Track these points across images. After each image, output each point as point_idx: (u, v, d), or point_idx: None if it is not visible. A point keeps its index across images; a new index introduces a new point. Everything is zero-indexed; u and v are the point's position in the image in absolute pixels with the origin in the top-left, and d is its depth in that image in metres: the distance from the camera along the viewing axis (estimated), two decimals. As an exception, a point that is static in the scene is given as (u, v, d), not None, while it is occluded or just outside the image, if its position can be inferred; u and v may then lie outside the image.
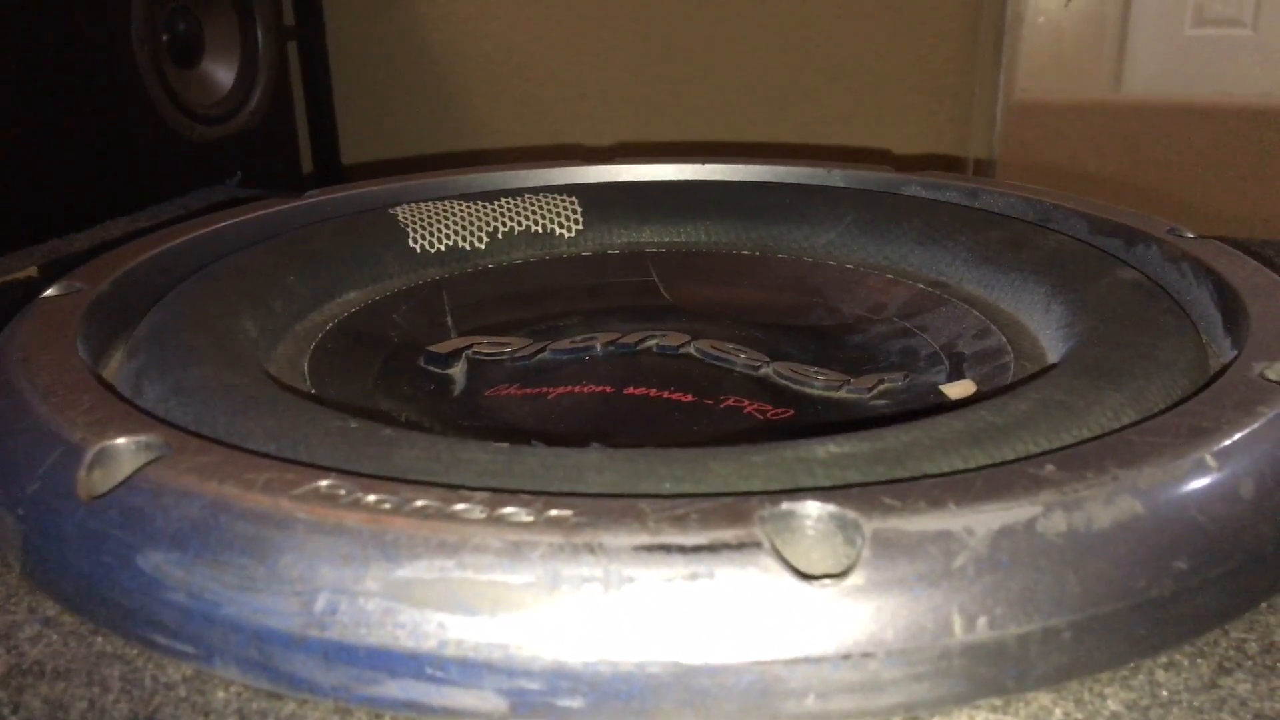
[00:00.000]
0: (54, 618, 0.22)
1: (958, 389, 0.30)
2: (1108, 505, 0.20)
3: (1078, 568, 0.19)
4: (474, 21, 1.04)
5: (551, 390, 0.32)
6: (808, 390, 0.32)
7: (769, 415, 0.30)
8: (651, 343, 0.35)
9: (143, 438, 0.23)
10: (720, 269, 0.42)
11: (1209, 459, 0.21)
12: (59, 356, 0.27)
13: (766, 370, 0.33)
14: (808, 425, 0.30)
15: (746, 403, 0.31)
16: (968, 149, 0.98)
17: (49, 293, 0.32)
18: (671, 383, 0.32)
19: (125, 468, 0.22)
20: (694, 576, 0.18)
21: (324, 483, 0.20)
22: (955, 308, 0.36)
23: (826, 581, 0.18)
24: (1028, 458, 0.21)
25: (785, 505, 0.19)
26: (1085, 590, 0.19)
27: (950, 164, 0.98)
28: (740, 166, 0.48)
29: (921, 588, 0.18)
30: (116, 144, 0.71)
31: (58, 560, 0.22)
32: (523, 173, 0.47)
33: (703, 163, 0.49)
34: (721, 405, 0.31)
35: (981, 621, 0.18)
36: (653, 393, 0.31)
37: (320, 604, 0.19)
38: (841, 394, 0.32)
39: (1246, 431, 0.22)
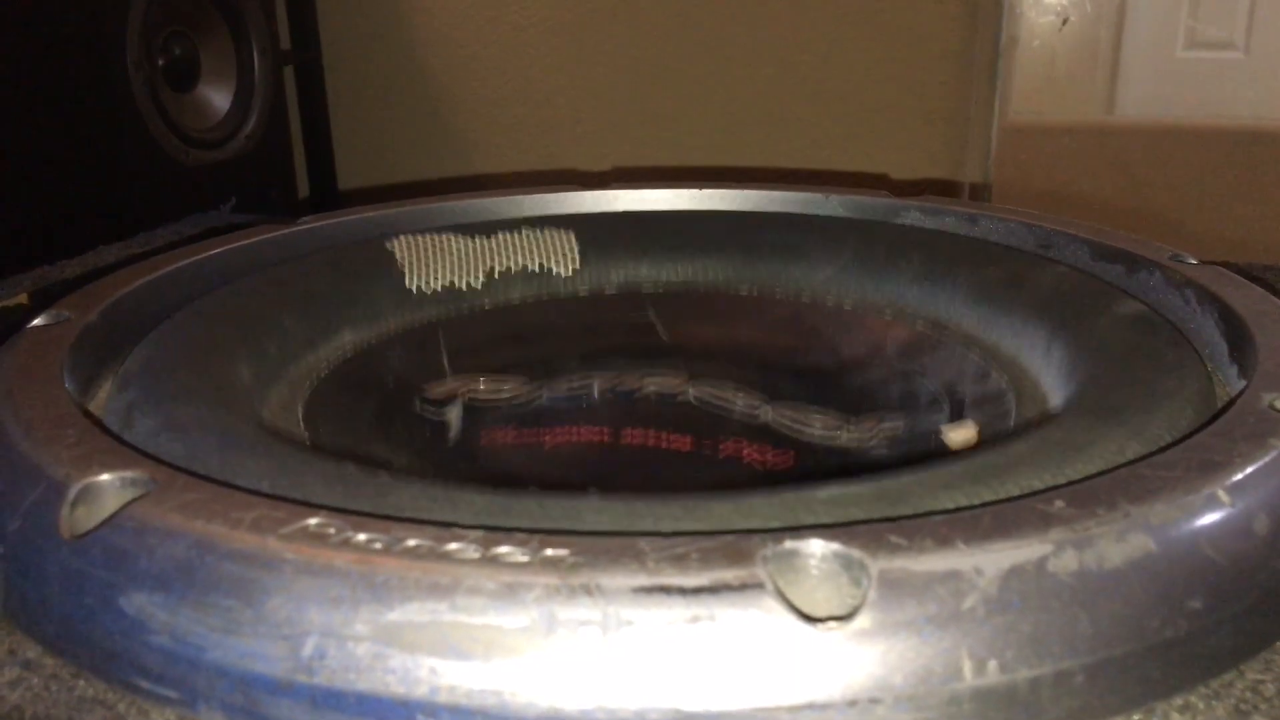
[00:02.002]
0: (35, 660, 0.22)
1: (959, 434, 0.30)
2: (1119, 543, 0.19)
3: (1090, 608, 0.18)
4: (471, 46, 1.04)
5: (548, 436, 0.32)
6: (807, 435, 0.32)
7: (768, 461, 0.30)
8: (649, 387, 0.35)
9: (128, 474, 0.22)
10: (718, 309, 0.42)
11: (1221, 494, 0.21)
12: (44, 389, 0.26)
13: (765, 414, 0.33)
14: (807, 471, 0.30)
15: (746, 448, 0.31)
16: (963, 172, 0.98)
17: (36, 322, 0.31)
18: (670, 428, 0.32)
19: (109, 505, 0.21)
20: (695, 619, 0.18)
21: (313, 521, 0.20)
22: (955, 349, 0.36)
23: (832, 624, 0.18)
24: (1036, 493, 0.21)
25: (788, 544, 0.19)
26: (1098, 632, 0.18)
27: (946, 187, 0.98)
28: (737, 192, 0.48)
29: (930, 630, 0.18)
30: (111, 168, 0.71)
31: (39, 601, 0.21)
32: (518, 199, 0.47)
33: (699, 188, 0.48)
34: (720, 452, 0.30)
35: (992, 665, 0.18)
36: (651, 439, 0.31)
37: (308, 648, 0.18)
38: (841, 438, 0.31)
39: (1259, 465, 0.21)
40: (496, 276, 0.42)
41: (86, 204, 0.69)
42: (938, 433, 0.30)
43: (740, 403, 0.33)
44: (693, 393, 0.34)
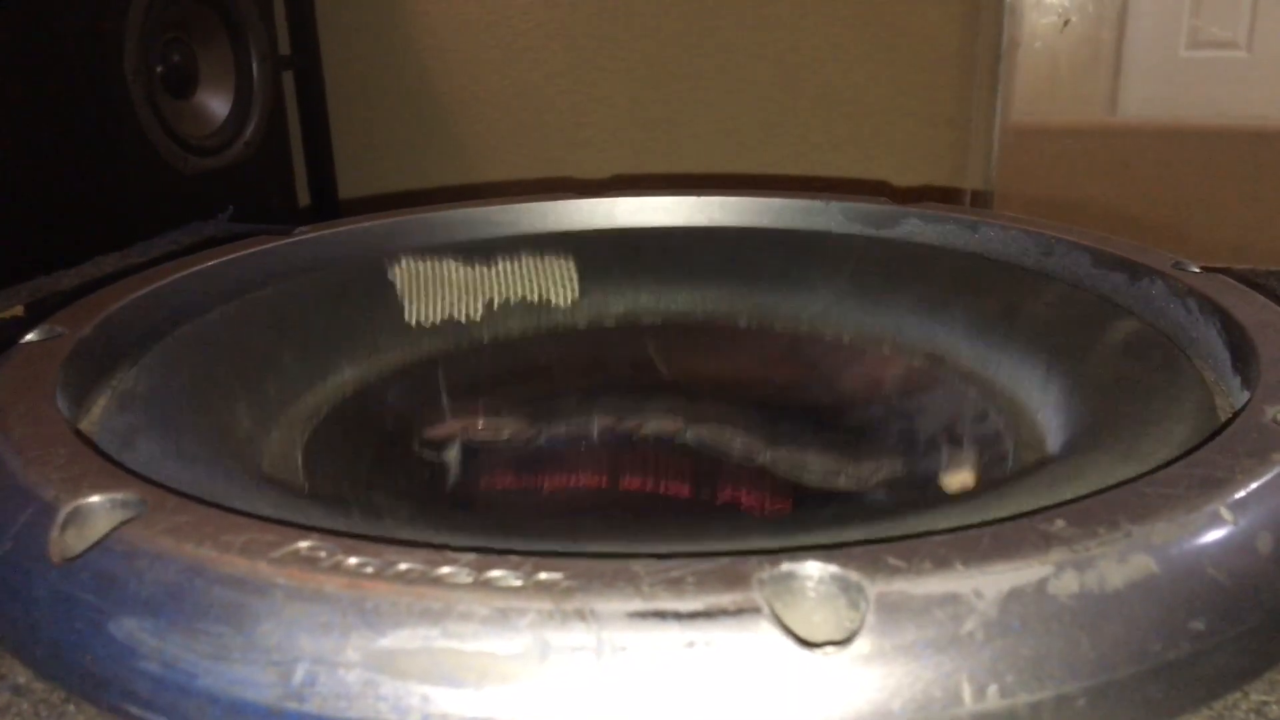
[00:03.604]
0: (25, 685, 0.21)
1: (957, 481, 0.29)
2: (1121, 563, 0.19)
3: (1091, 630, 0.18)
4: (471, 52, 1.04)
5: (546, 480, 0.32)
6: (805, 480, 0.32)
7: (766, 510, 0.29)
8: (648, 429, 0.35)
9: (118, 495, 0.22)
10: (716, 343, 0.42)
11: (1224, 511, 0.20)
12: (36, 407, 0.26)
13: (763, 459, 0.33)
14: (805, 518, 0.30)
15: (744, 496, 0.31)
16: (965, 175, 0.98)
17: (29, 337, 0.31)
18: (668, 475, 0.32)
19: (100, 527, 0.21)
20: (690, 645, 0.17)
21: (304, 544, 0.20)
22: (952, 387, 0.36)
23: (830, 649, 0.17)
24: (1035, 512, 0.20)
25: (785, 566, 0.18)
26: (1099, 654, 0.18)
27: (948, 192, 0.98)
28: (736, 200, 0.47)
29: (929, 654, 0.18)
30: (109, 176, 0.71)
31: (29, 625, 0.21)
32: (517, 208, 0.47)
33: (699, 195, 0.48)
34: (718, 501, 0.30)
35: (992, 690, 0.18)
36: (649, 484, 0.31)
37: (299, 675, 0.18)
38: (840, 484, 0.31)
39: (1262, 481, 0.21)
40: (495, 308, 0.42)
41: (84, 212, 0.69)
42: (936, 480, 0.30)
43: (738, 446, 0.33)
44: (690, 436, 0.34)
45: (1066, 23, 0.96)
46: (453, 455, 0.34)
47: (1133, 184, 0.96)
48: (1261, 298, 0.31)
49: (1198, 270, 0.35)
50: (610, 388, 0.39)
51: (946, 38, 0.95)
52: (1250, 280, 0.34)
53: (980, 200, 0.98)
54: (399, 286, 0.40)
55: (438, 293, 0.40)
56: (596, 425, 0.35)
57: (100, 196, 0.70)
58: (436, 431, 0.35)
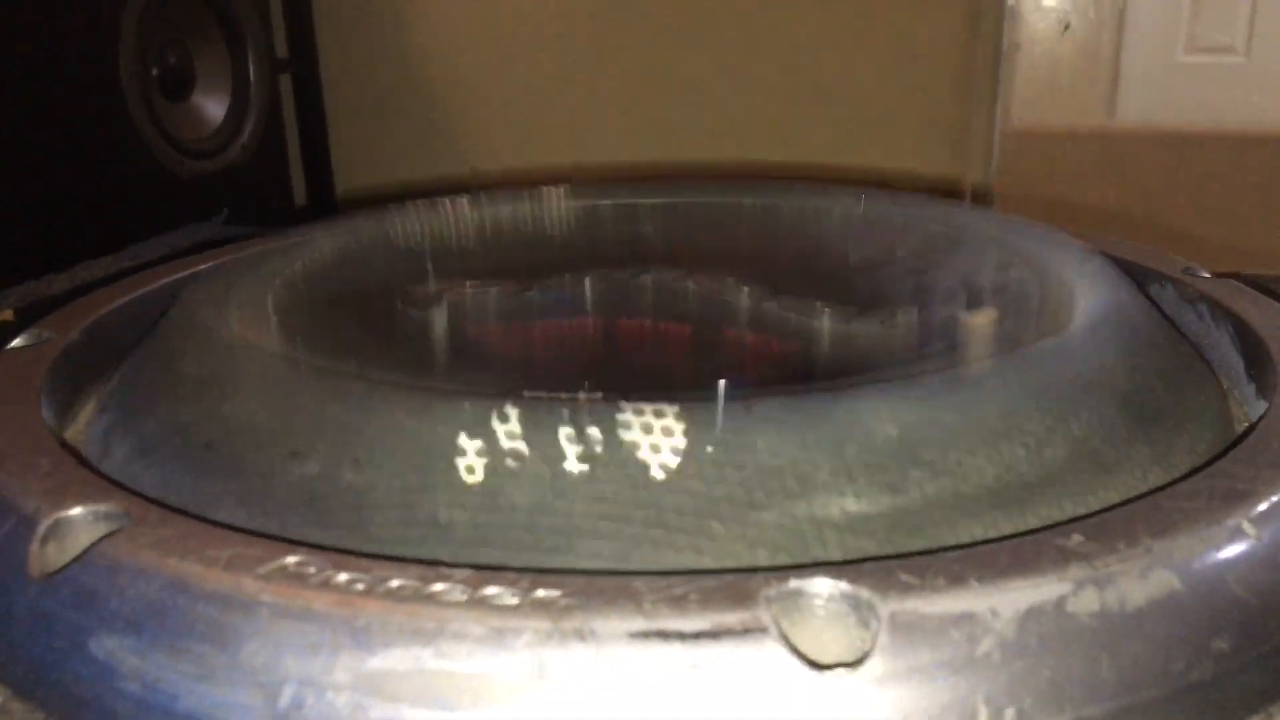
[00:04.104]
0: (3, 705, 0.21)
1: (979, 317, 0.28)
2: (1142, 580, 0.18)
3: (1112, 651, 0.17)
4: (468, 53, 1.03)
5: (539, 327, 0.30)
6: (815, 322, 0.30)
7: (774, 348, 0.27)
8: (646, 277, 0.33)
9: (101, 507, 0.21)
10: (720, 220, 0.40)
11: (1246, 525, 0.20)
12: (19, 416, 0.25)
13: (770, 304, 0.31)
14: (815, 359, 0.28)
15: (749, 336, 0.28)
16: (965, 178, 0.98)
17: (15, 343, 0.31)
18: (669, 316, 0.30)
19: (81, 541, 0.20)
20: (694, 666, 0.17)
21: (292, 559, 0.19)
22: (973, 248, 0.34)
23: (840, 671, 0.17)
24: (1053, 526, 0.20)
25: (793, 583, 0.18)
26: (1120, 676, 0.17)
27: (948, 195, 0.97)
28: (736, 200, 0.47)
29: (944, 676, 0.17)
30: (104, 180, 0.70)
31: (7, 643, 0.20)
32: (518, 207, 0.46)
33: (701, 195, 0.47)
34: (724, 338, 0.28)
35: (1009, 713, 0.17)
36: (649, 325, 0.29)
37: (285, 697, 0.17)
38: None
39: (1284, 494, 0.20)
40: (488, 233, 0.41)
41: (80, 216, 0.68)
42: (955, 321, 0.29)
43: (745, 292, 0.31)
44: (693, 281, 0.32)
45: (1066, 27, 0.96)
46: (438, 309, 0.33)
47: (1131, 188, 0.96)
48: (1276, 304, 0.31)
49: (1208, 275, 0.34)
50: (607, 259, 0.37)
51: (946, 41, 0.94)
52: (1261, 285, 0.34)
53: (980, 202, 0.97)
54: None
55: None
56: (591, 280, 0.33)
57: (96, 200, 0.69)
58: (420, 292, 0.33)
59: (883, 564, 0.18)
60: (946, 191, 0.97)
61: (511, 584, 0.18)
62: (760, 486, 0.22)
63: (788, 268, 0.37)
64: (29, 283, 0.52)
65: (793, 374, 0.25)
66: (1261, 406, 0.26)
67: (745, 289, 0.31)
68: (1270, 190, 0.93)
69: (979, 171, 0.97)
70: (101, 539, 0.20)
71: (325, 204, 1.05)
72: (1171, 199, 0.95)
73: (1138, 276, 0.36)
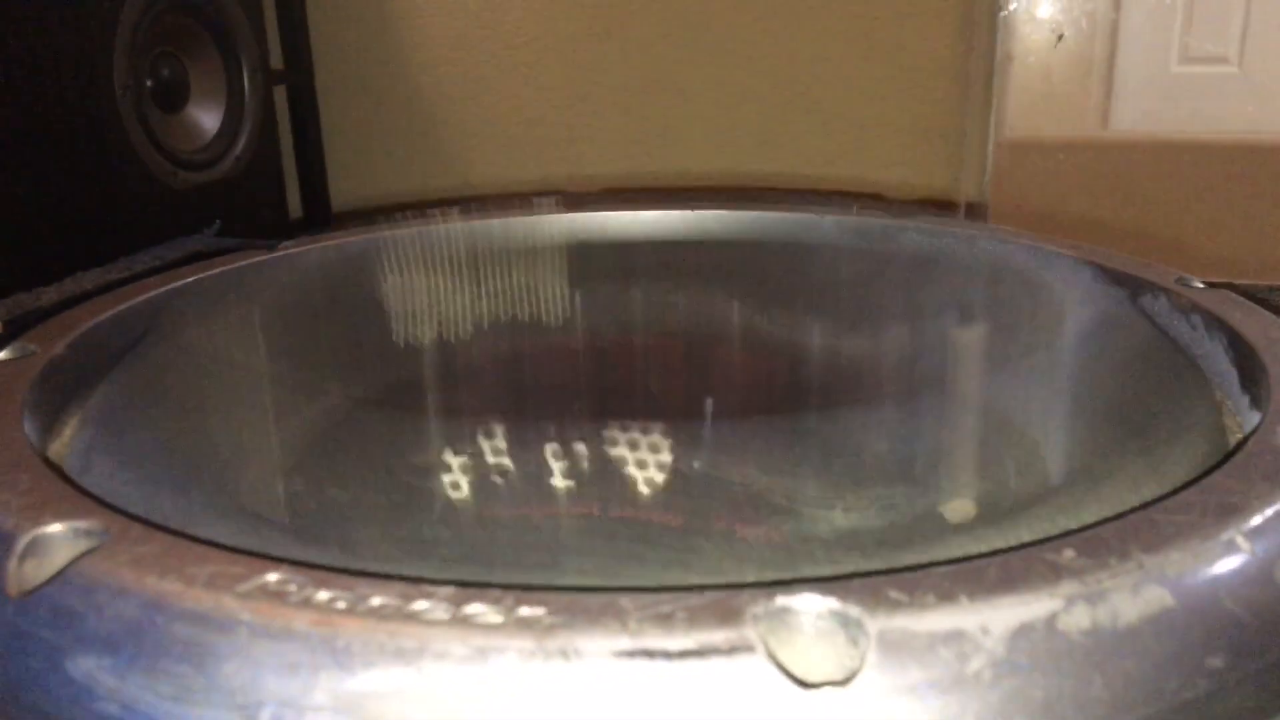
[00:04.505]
0: (-21, 725, 0.20)
1: (957, 509, 0.28)
2: (1134, 596, 0.18)
3: (1104, 669, 0.17)
4: (464, 65, 1.04)
5: (535, 511, 0.31)
6: (802, 509, 0.30)
7: (763, 538, 0.28)
8: (640, 454, 0.34)
9: (80, 523, 0.21)
10: (710, 360, 0.40)
11: (1240, 540, 0.19)
12: (0, 430, 0.25)
13: (759, 486, 0.31)
14: (804, 551, 0.28)
15: (739, 526, 0.29)
16: (959, 189, 0.98)
17: (0, 356, 0.30)
18: (659, 505, 0.30)
19: (60, 558, 0.20)
20: (681, 686, 0.16)
21: (273, 577, 0.19)
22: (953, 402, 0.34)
23: (828, 689, 0.16)
24: (1043, 541, 0.19)
25: (780, 600, 0.17)
26: (1112, 695, 0.17)
27: (942, 205, 0.97)
28: (730, 214, 0.47)
29: (933, 696, 0.17)
30: (98, 191, 0.70)
31: (-17, 662, 0.20)
32: (508, 222, 0.46)
33: (692, 209, 0.47)
34: (713, 529, 0.29)
35: (1000, 733, 0.17)
36: (640, 516, 0.30)
37: (264, 719, 0.17)
38: (837, 514, 0.30)
39: (1278, 507, 0.20)
40: (486, 327, 0.40)
41: (73, 228, 0.68)
42: (935, 512, 0.29)
43: (735, 474, 0.32)
44: (685, 464, 0.33)
45: (1060, 38, 0.96)
46: (437, 483, 0.33)
47: (1125, 198, 0.96)
48: (1270, 315, 0.30)
49: (1202, 286, 0.34)
50: (601, 410, 0.37)
51: (941, 52, 0.94)
52: (1252, 296, 0.34)
53: (974, 213, 0.97)
54: (387, 304, 0.39)
55: (426, 310, 0.39)
56: (584, 451, 0.34)
57: (88, 211, 0.69)
58: (421, 458, 0.33)
59: (871, 580, 0.18)
60: (940, 202, 0.97)
61: (495, 602, 0.18)
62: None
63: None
64: (19, 294, 0.52)
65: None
66: (1255, 418, 0.26)
67: (736, 471, 0.32)
68: (1264, 200, 0.93)
69: (973, 182, 0.97)
70: (80, 556, 0.20)
71: (320, 217, 1.05)
72: (1165, 209, 0.95)
73: (1131, 287, 0.35)
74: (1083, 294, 0.36)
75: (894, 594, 0.17)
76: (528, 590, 0.18)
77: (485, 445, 0.34)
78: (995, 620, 0.17)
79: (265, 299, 0.35)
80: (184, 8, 0.79)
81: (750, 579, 0.19)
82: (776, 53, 0.97)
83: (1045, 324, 0.34)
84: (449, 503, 0.32)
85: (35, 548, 0.20)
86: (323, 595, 0.18)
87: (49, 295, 0.52)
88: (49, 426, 0.29)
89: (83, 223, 0.69)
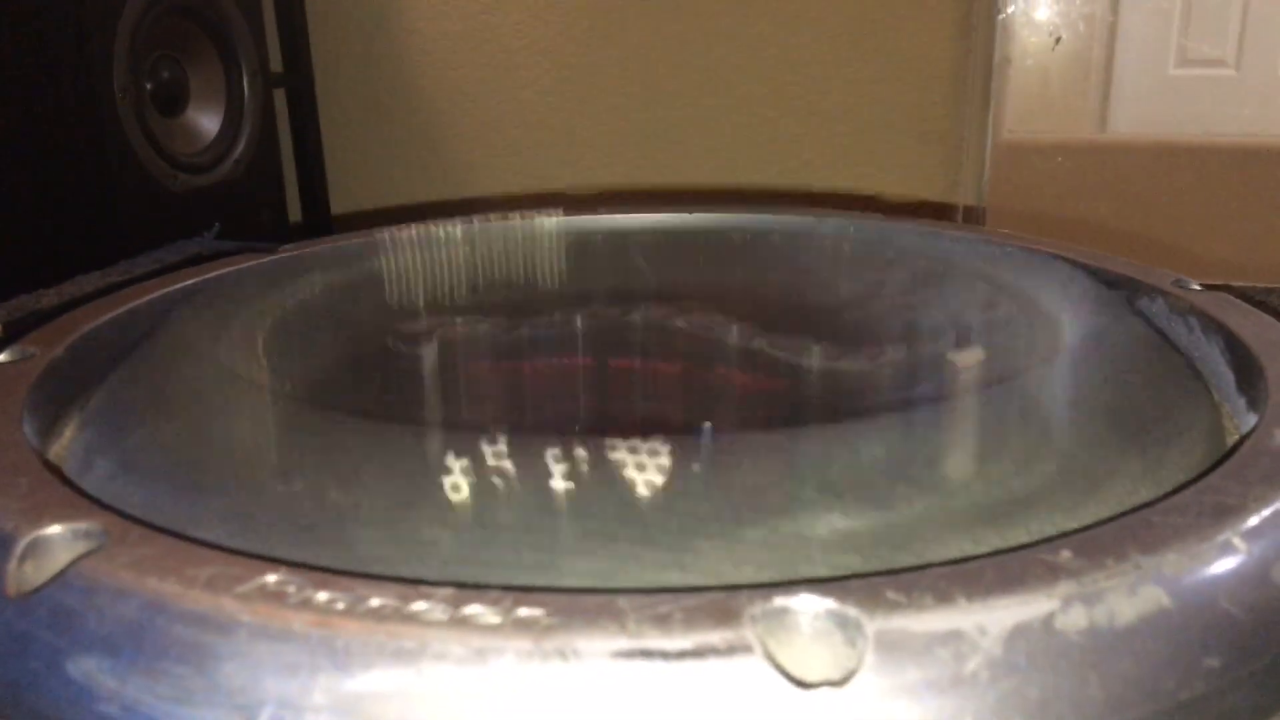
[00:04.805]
0: (-22, 727, 0.20)
1: (966, 357, 0.28)
2: (1131, 597, 0.18)
3: (1101, 669, 0.17)
4: (463, 69, 1.04)
5: (531, 364, 0.30)
6: (805, 361, 0.30)
7: (764, 388, 0.28)
8: (636, 315, 0.33)
9: (80, 525, 0.21)
10: (709, 252, 0.40)
11: (1237, 540, 0.20)
12: (0, 432, 0.25)
13: (760, 342, 0.31)
14: (804, 397, 0.28)
15: (739, 374, 0.29)
16: (957, 192, 0.98)
17: (0, 359, 0.30)
18: (659, 355, 0.30)
19: (59, 560, 0.20)
20: (678, 686, 0.17)
21: (272, 578, 0.19)
22: (962, 283, 0.34)
23: (826, 690, 0.17)
24: (1040, 542, 0.20)
25: (778, 601, 0.18)
26: (1109, 695, 0.17)
27: (940, 208, 0.97)
28: (728, 216, 0.47)
29: (931, 696, 0.17)
30: (97, 194, 0.70)
31: (-18, 664, 0.20)
32: (507, 225, 0.46)
33: (689, 211, 0.48)
34: (712, 379, 0.28)
35: (997, 733, 0.17)
36: (639, 364, 0.29)
37: (263, 720, 0.17)
38: (841, 364, 0.29)
39: (1275, 508, 0.20)
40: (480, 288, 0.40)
41: (72, 230, 0.68)
42: (944, 359, 0.29)
43: (735, 331, 0.31)
44: (683, 320, 0.32)
45: (1058, 40, 0.96)
46: (429, 345, 0.33)
47: (1122, 200, 0.96)
48: (1267, 316, 0.31)
49: (1199, 288, 0.34)
50: (598, 294, 0.36)
51: (939, 54, 0.95)
52: (1249, 298, 0.34)
53: (972, 216, 0.97)
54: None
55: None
56: (581, 316, 0.33)
57: (89, 214, 0.69)
58: (411, 326, 0.33)
59: (869, 581, 0.18)
60: (938, 204, 0.97)
61: (494, 603, 0.18)
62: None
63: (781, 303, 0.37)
64: (19, 297, 0.52)
65: (782, 412, 0.25)
66: (1252, 420, 0.26)
67: (735, 328, 0.32)
68: (1261, 202, 0.93)
69: (971, 184, 0.97)
70: (80, 558, 0.20)
71: (319, 220, 1.05)
72: (1162, 211, 0.95)
73: (1129, 288, 0.36)
74: (1079, 296, 0.36)
75: (891, 594, 0.18)
76: (526, 591, 0.18)
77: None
78: (992, 621, 0.17)
79: (265, 302, 0.35)
80: (183, 11, 0.80)
81: (748, 580, 0.19)
82: (775, 57, 0.97)
83: (1042, 326, 0.34)
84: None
85: (35, 549, 0.21)
86: (322, 596, 0.18)
87: (49, 298, 0.52)
88: (49, 429, 0.29)
89: (82, 226, 0.69)
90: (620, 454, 0.33)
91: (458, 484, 0.30)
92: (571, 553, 0.22)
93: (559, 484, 0.23)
